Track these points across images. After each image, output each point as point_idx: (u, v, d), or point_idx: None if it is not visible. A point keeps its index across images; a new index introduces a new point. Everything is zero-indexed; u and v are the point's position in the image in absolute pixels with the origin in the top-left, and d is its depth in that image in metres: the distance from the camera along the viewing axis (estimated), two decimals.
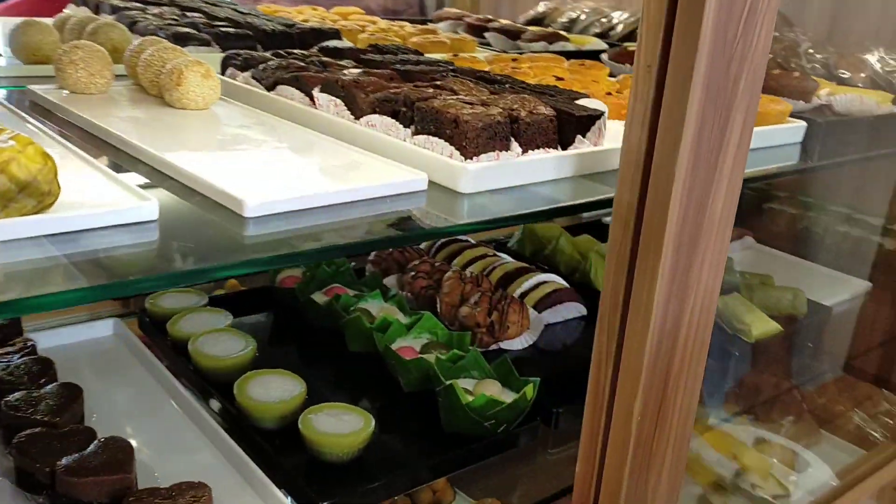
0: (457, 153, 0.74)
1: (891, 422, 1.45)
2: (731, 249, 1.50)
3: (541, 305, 1.18)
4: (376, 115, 0.83)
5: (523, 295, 1.20)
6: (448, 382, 0.92)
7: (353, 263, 1.24)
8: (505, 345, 1.12)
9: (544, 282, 1.22)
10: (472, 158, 0.74)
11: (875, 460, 1.30)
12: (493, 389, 0.94)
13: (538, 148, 0.78)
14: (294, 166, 0.76)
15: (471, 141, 0.73)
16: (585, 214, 1.60)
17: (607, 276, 0.68)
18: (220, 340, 1.01)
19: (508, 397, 0.94)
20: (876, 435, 1.43)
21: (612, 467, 0.75)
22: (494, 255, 1.31)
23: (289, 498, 0.82)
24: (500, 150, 0.75)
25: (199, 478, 0.81)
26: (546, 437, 0.98)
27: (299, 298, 1.13)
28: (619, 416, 0.72)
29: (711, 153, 0.60)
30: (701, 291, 0.66)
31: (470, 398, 0.91)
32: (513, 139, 0.77)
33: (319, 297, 1.13)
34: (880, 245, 1.54)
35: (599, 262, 1.31)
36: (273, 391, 0.91)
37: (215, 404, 0.95)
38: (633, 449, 0.73)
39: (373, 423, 0.87)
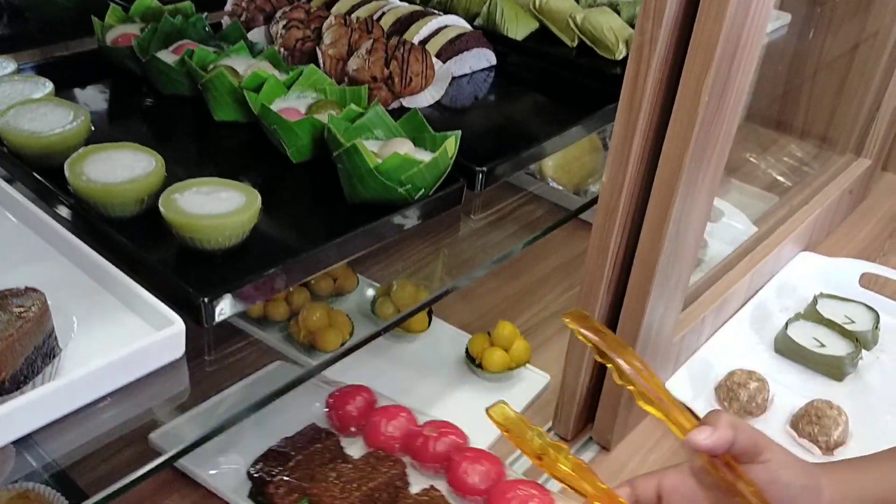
0: None
1: (799, 166, 1.40)
2: None
3: (444, 54, 0.99)
4: None
5: (422, 43, 1.00)
6: (350, 143, 0.73)
7: (204, 15, 0.98)
8: (408, 102, 0.93)
9: (445, 26, 1.02)
10: None
11: (790, 204, 1.24)
12: (406, 149, 0.76)
13: None
14: None
15: None
16: None
17: None
18: (39, 113, 0.76)
19: (424, 157, 0.76)
20: (784, 180, 1.38)
21: (673, 150, 0.74)
22: None
23: (158, 298, 0.63)
24: None
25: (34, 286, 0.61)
26: (469, 203, 0.83)
27: (140, 59, 0.88)
28: (682, 99, 0.71)
29: None
30: None
31: (378, 160, 0.73)
32: None
33: (167, 57, 0.88)
34: None
35: (507, 2, 1.11)
36: (119, 169, 0.69)
37: (43, 193, 0.72)
38: (695, 135, 0.72)
39: (258, 198, 0.68)
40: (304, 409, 0.91)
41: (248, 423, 0.85)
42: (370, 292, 1.06)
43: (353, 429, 0.89)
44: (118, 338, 0.58)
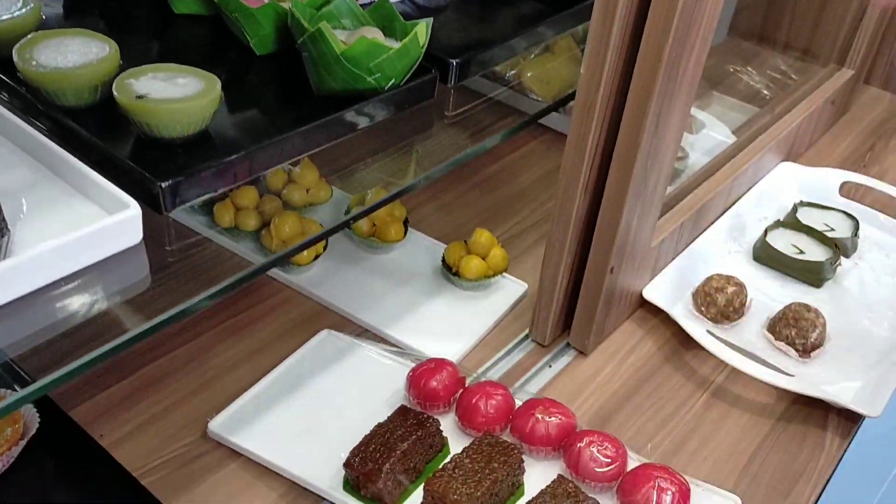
0: None
1: (782, 78, 1.38)
2: None
3: None
4: None
5: None
6: (314, 28, 0.69)
7: None
8: None
9: None
10: None
11: (772, 113, 1.22)
12: (375, 35, 0.73)
13: None
14: None
15: None
16: None
17: None
18: None
19: (395, 45, 0.73)
20: (767, 93, 1.36)
21: (653, 38, 0.71)
22: None
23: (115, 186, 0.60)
24: None
25: None
26: (443, 98, 0.80)
27: None
28: None
29: None
30: None
31: (345, 47, 0.70)
32: None
33: None
34: None
35: None
36: (71, 55, 0.66)
37: None
38: (676, 22, 0.69)
39: (218, 84, 0.65)
40: (384, 389, 0.84)
41: (324, 408, 0.82)
42: (344, 203, 1.03)
43: (440, 407, 0.81)
44: (72, 223, 0.56)
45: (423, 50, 0.73)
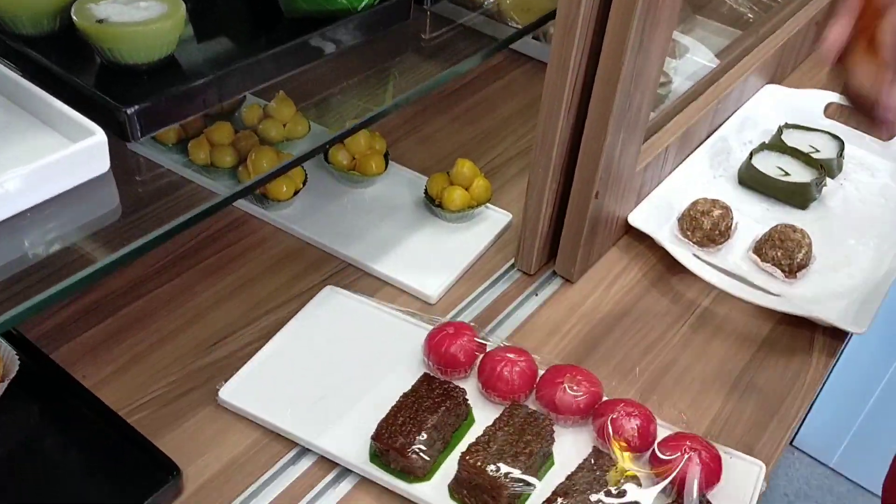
0: None
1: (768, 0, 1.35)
2: None
3: None
4: None
5: None
6: None
7: None
8: None
9: None
10: None
11: (757, 34, 1.20)
12: None
13: None
14: None
15: None
16: None
17: None
18: None
19: None
20: (749, 15, 1.33)
21: None
22: None
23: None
24: None
25: None
26: (419, 22, 0.77)
27: None
28: None
29: None
30: None
31: None
32: None
33: None
34: None
35: None
36: None
37: None
38: None
39: (182, 6, 0.62)
40: (398, 352, 0.81)
41: (338, 373, 0.78)
42: (322, 138, 1.01)
43: (461, 373, 0.78)
44: (36, 153, 0.54)
45: None
